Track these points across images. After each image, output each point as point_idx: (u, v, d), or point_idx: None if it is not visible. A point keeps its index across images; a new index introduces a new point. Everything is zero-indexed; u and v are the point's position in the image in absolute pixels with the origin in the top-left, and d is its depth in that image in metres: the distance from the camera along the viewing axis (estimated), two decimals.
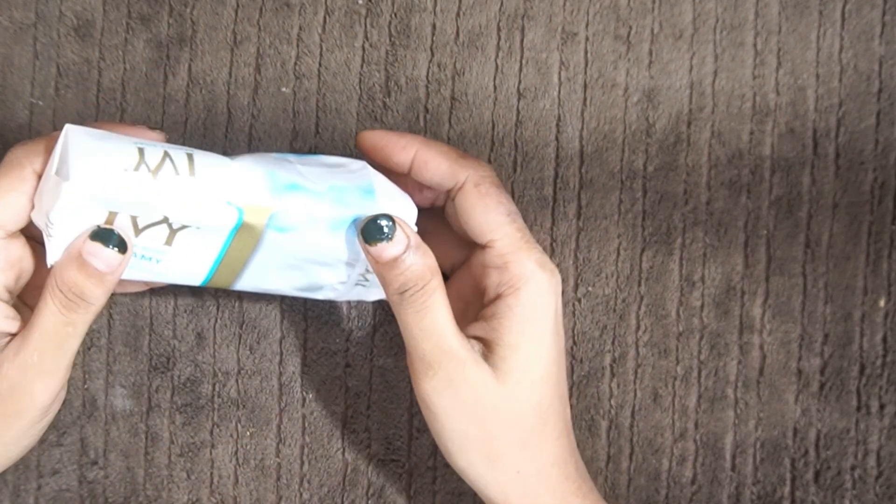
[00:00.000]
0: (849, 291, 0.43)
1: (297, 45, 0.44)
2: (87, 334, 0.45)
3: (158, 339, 0.45)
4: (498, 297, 0.38)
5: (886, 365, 0.43)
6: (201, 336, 0.45)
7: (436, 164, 0.39)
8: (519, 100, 0.44)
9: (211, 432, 0.45)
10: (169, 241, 0.36)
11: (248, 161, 0.37)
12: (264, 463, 0.45)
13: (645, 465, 0.44)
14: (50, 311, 0.35)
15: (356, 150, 0.44)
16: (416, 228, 0.38)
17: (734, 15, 0.44)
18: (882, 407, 0.43)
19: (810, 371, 0.43)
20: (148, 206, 0.34)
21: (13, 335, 0.37)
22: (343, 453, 0.45)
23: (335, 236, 0.37)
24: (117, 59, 0.45)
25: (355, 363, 0.44)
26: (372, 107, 0.44)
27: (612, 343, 0.44)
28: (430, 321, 0.37)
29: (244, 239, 0.36)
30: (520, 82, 0.44)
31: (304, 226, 0.37)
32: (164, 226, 0.35)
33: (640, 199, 0.44)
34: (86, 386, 0.45)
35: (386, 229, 0.36)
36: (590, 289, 0.44)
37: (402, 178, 0.40)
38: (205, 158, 0.36)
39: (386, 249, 0.36)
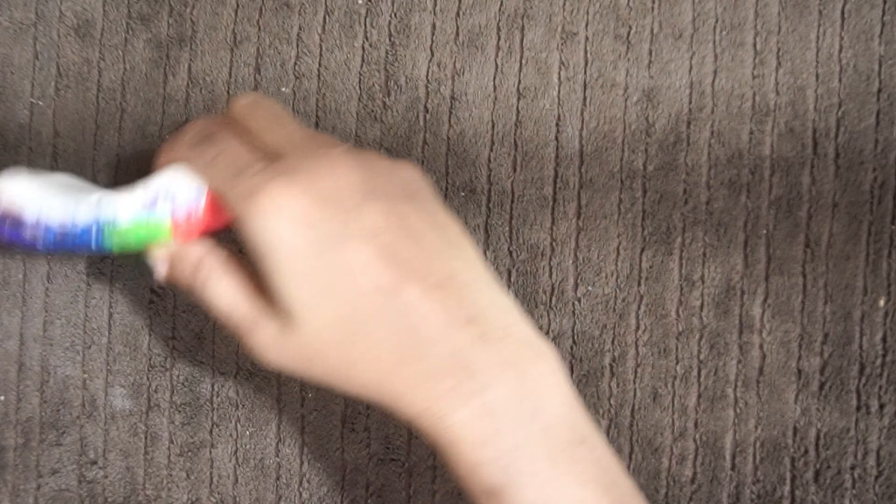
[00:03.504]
0: (849, 291, 0.43)
1: (297, 45, 0.44)
2: (87, 333, 0.45)
3: (158, 339, 0.45)
4: None
5: (886, 365, 0.43)
6: (201, 336, 0.45)
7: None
8: (519, 99, 0.44)
9: (210, 432, 0.45)
10: None
11: None
12: (264, 462, 0.45)
13: (645, 464, 0.44)
14: None
15: None
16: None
17: (734, 15, 0.44)
18: (882, 407, 0.43)
19: (810, 371, 0.43)
20: None
21: None
22: (343, 453, 0.45)
23: None
24: (117, 59, 0.45)
25: None
26: (372, 107, 0.44)
27: (612, 343, 0.44)
28: (216, 302, 0.36)
29: None
30: (520, 82, 0.44)
31: None
32: None
33: (640, 198, 0.44)
34: (86, 386, 0.45)
35: (148, 260, 0.38)
36: (590, 288, 0.44)
37: None
38: None
39: (157, 271, 0.38)
